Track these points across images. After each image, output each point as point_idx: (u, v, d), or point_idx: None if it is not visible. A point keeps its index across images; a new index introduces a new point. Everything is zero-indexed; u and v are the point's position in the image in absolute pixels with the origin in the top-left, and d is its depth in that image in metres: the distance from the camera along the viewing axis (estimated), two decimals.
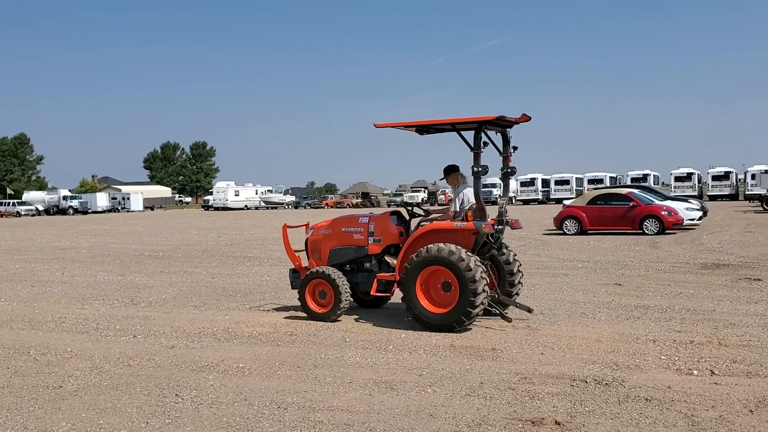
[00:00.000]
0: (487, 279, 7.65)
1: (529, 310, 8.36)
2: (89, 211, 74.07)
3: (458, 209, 8.24)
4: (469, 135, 7.96)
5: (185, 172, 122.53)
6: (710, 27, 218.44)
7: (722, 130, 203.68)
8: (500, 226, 8.06)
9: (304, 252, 9.40)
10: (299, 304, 8.74)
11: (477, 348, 6.91)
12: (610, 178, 61.91)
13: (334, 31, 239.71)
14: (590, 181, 61.12)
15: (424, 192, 79.31)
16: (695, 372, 5.90)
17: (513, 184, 68.41)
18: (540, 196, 64.73)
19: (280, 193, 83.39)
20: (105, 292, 11.67)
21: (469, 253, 7.54)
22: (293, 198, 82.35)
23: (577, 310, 8.92)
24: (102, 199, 78.83)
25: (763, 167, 49.87)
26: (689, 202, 25.71)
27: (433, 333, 7.63)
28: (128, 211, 78.85)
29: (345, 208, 72.79)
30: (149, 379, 6.08)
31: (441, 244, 7.62)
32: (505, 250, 8.35)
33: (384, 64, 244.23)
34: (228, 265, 15.92)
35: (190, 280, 13.19)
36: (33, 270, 15.72)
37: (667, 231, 21.75)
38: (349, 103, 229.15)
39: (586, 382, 5.64)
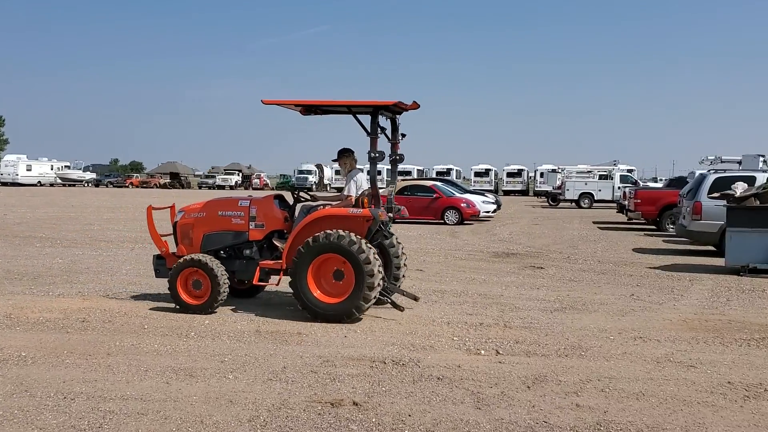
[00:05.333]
0: (382, 270, 7.50)
1: (415, 298, 8.08)
2: None
3: (354, 195, 7.99)
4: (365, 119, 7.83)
5: None
6: (526, 38, 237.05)
7: (516, 133, 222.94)
8: (390, 214, 8.01)
9: (172, 236, 8.47)
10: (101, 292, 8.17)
11: (282, 333, 6.93)
12: (418, 170, 64.85)
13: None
14: (399, 173, 63.46)
15: (238, 175, 77.46)
16: (482, 352, 6.38)
17: (328, 171, 69.42)
18: None
19: (80, 169, 76.88)
20: None
21: (367, 243, 7.36)
22: (94, 175, 76.64)
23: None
24: None
25: (551, 167, 54.91)
26: (485, 196, 27.68)
27: (238, 318, 7.53)
28: None
29: (152, 188, 69.20)
30: None
31: (340, 232, 7.32)
32: (391, 238, 8.27)
33: (202, 40, 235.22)
34: (15, 245, 14.45)
35: None
36: None
37: (465, 222, 23.27)
38: (163, 78, 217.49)
39: (385, 363, 5.88)
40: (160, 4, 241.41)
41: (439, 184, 25.43)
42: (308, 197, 8.55)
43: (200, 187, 72.27)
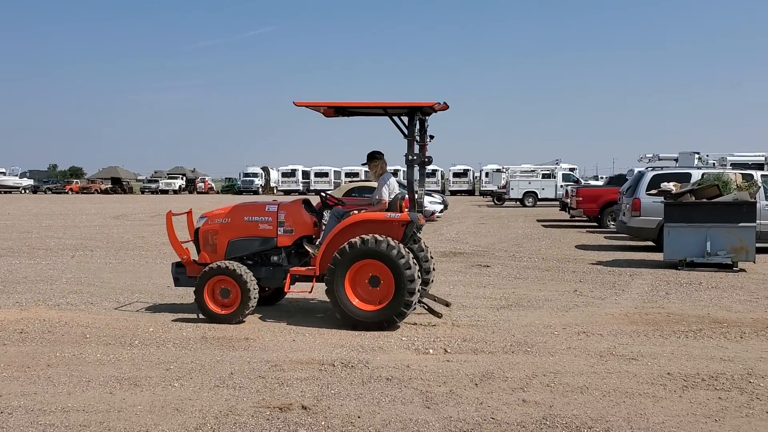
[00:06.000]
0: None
1: (447, 304, 8.04)
2: None
3: (387, 199, 7.81)
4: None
5: None
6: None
7: (462, 133, 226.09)
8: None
9: (192, 243, 8.21)
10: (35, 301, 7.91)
11: (229, 338, 6.84)
12: (365, 171, 64.93)
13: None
14: (347, 174, 63.59)
15: (182, 179, 76.04)
16: (431, 351, 6.43)
17: (274, 174, 68.86)
18: (300, 187, 65.83)
19: (16, 175, 74.26)
20: None
21: (406, 249, 7.18)
22: (31, 182, 74.14)
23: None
24: None
25: (495, 166, 55.73)
26: (432, 196, 27.85)
27: (184, 325, 7.39)
28: None
29: (93, 193, 67.37)
30: None
31: (378, 237, 7.11)
32: (420, 242, 8.09)
33: (140, 42, 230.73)
34: None
35: None
36: None
37: None
38: (103, 81, 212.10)
39: (334, 366, 5.87)
40: (96, 6, 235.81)
41: None
42: (336, 201, 8.33)
43: (143, 192, 70.71)
